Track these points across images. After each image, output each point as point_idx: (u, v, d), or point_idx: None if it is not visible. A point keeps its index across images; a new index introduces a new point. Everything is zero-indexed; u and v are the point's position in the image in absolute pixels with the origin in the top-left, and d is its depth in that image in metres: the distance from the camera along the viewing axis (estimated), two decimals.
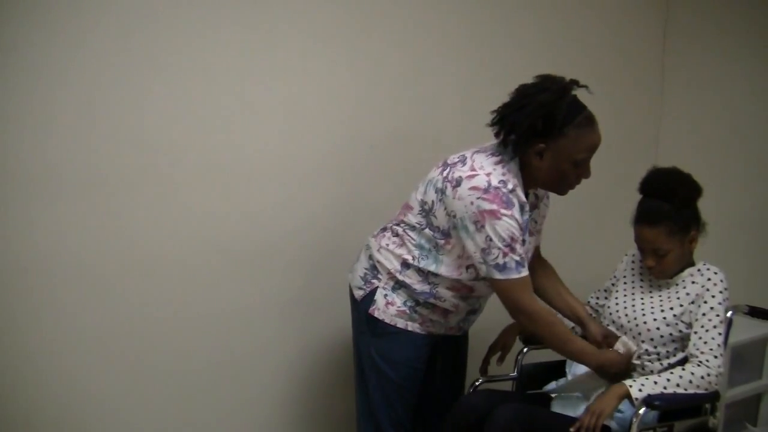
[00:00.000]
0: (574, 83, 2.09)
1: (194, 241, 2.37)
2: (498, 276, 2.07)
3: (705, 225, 2.26)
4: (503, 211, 2.03)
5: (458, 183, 2.07)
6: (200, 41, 2.29)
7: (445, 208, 2.11)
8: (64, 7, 2.08)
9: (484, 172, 2.07)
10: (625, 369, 2.21)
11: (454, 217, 2.08)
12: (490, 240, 2.04)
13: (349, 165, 2.62)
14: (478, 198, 2.04)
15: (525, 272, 2.09)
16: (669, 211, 2.19)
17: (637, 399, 2.04)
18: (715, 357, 2.12)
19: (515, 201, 2.07)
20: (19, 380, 2.15)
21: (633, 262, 2.41)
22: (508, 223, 2.03)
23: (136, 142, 2.23)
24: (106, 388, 2.28)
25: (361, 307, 2.26)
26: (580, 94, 2.10)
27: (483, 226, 2.03)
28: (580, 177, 2.14)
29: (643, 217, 2.23)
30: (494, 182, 2.05)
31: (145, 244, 2.28)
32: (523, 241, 2.10)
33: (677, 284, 2.27)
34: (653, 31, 3.39)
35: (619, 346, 2.23)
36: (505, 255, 2.05)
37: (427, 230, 2.17)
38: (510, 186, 2.07)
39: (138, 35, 2.19)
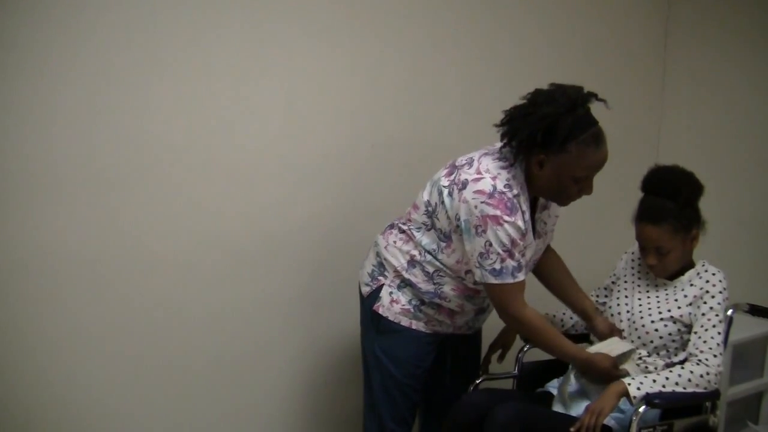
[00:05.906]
0: (590, 96, 2.05)
1: (196, 240, 2.37)
2: (492, 280, 2.07)
3: (705, 223, 2.26)
4: (506, 217, 2.02)
5: (464, 186, 2.07)
6: (201, 41, 2.30)
7: (447, 212, 2.12)
8: (65, 6, 2.08)
9: (490, 175, 2.06)
10: (609, 372, 2.16)
11: (458, 218, 2.08)
12: (490, 245, 2.04)
13: (350, 164, 2.62)
14: (482, 202, 2.03)
15: (521, 277, 2.09)
16: (673, 210, 2.18)
17: (635, 397, 2.04)
18: (715, 356, 2.11)
19: (519, 207, 2.06)
20: (19, 379, 2.16)
21: (633, 260, 2.41)
22: (509, 230, 2.03)
23: (137, 140, 2.23)
24: (107, 386, 2.28)
25: (367, 303, 2.28)
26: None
27: (484, 231, 2.03)
28: (582, 192, 2.12)
29: (647, 215, 2.21)
30: (499, 186, 2.04)
31: (146, 243, 2.29)
32: (523, 250, 2.09)
33: (677, 285, 2.26)
34: (655, 29, 3.39)
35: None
36: (503, 260, 2.05)
37: (432, 231, 2.18)
38: (515, 191, 2.06)
39: (139, 35, 2.19)
